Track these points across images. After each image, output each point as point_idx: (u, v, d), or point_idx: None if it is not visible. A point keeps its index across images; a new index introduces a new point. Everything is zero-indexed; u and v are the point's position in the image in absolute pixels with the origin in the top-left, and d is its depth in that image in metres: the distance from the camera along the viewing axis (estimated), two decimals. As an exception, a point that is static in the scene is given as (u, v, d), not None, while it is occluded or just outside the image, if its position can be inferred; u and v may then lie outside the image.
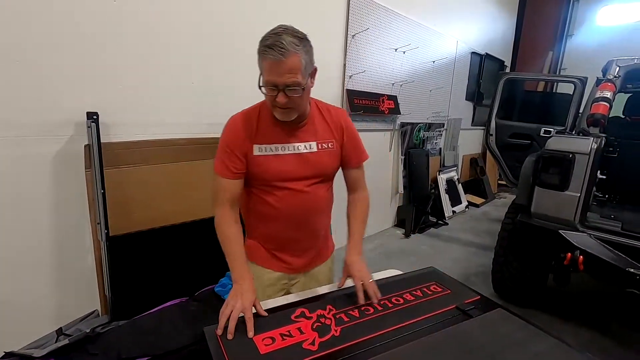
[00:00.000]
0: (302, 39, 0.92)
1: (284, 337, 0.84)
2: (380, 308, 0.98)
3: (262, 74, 0.94)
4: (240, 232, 1.07)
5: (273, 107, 0.98)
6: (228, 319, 0.87)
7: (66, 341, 1.45)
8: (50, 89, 1.58)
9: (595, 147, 1.82)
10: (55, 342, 1.56)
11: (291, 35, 0.90)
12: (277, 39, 0.88)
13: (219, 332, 0.85)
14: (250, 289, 0.96)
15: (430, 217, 4.23)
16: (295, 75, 0.91)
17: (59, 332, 1.64)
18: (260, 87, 0.95)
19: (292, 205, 1.09)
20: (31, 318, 1.65)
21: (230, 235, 1.04)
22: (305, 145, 1.08)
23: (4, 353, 1.43)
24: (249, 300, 0.92)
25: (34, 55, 1.51)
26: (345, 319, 0.92)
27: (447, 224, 4.28)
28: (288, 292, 1.21)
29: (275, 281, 1.17)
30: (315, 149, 1.09)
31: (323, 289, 1.14)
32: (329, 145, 1.12)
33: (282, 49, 0.88)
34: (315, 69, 1.00)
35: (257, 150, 1.04)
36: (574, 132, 2.31)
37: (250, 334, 0.84)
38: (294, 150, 1.07)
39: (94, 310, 1.82)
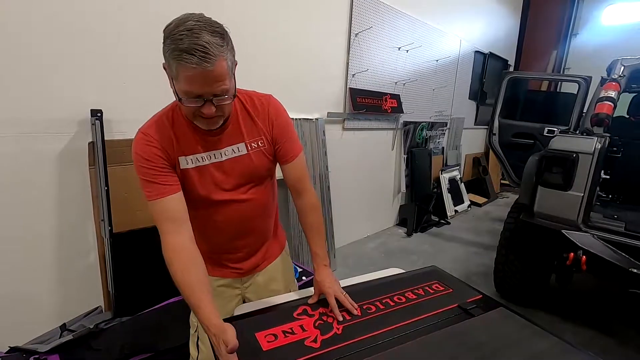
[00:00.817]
0: (224, 35, 0.76)
1: (286, 334, 0.84)
2: (382, 307, 0.98)
3: (178, 82, 0.76)
4: (198, 262, 0.86)
5: (194, 117, 0.83)
6: None
7: (70, 337, 1.47)
8: (54, 86, 1.58)
9: (599, 146, 1.81)
10: (59, 337, 1.58)
11: (210, 32, 0.72)
12: (196, 41, 0.70)
13: None
14: (222, 331, 0.77)
15: (432, 216, 4.23)
16: (224, 82, 0.77)
17: (63, 327, 1.66)
18: (179, 100, 0.78)
19: (231, 216, 0.98)
20: (35, 313, 1.67)
21: (179, 277, 0.82)
22: (233, 149, 0.94)
23: (9, 348, 1.45)
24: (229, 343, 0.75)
25: (38, 53, 1.52)
26: (348, 317, 0.92)
27: (449, 223, 4.28)
28: (244, 299, 1.14)
29: (226, 288, 1.10)
30: (245, 151, 0.95)
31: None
32: (259, 144, 0.97)
33: (207, 56, 0.71)
34: (236, 63, 0.84)
35: (183, 162, 0.90)
36: (577, 132, 2.30)
37: None
38: (222, 157, 0.93)
39: (98, 307, 1.84)
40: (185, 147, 0.90)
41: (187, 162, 0.91)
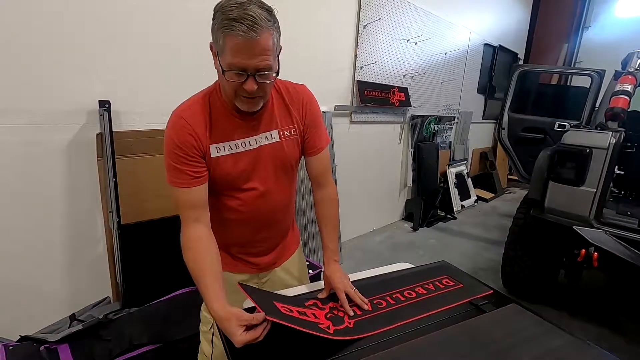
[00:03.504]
0: (271, 12, 0.78)
1: (301, 314, 0.84)
2: (392, 302, 0.97)
3: (224, 54, 0.77)
4: (212, 252, 0.88)
5: (236, 96, 0.83)
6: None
7: (79, 327, 1.48)
8: (62, 77, 1.58)
9: (614, 141, 1.77)
10: (69, 327, 1.59)
11: (259, 6, 0.75)
12: (245, 12, 0.72)
13: None
14: (236, 332, 0.74)
15: (438, 211, 4.21)
16: (268, 58, 0.78)
17: (72, 317, 1.68)
18: (223, 72, 0.78)
19: (257, 206, 0.97)
20: (45, 303, 1.69)
21: (199, 264, 0.84)
22: (266, 136, 0.94)
23: (19, 337, 1.46)
24: (237, 328, 0.74)
25: (47, 44, 1.51)
26: (359, 312, 0.91)
27: (455, 218, 4.25)
28: None
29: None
30: (277, 139, 0.95)
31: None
32: (292, 132, 0.97)
33: (256, 26, 0.73)
34: (280, 49, 0.85)
35: (214, 150, 0.88)
36: (590, 126, 2.26)
37: None
38: (256, 143, 0.93)
39: (106, 297, 1.85)
40: (219, 134, 0.89)
41: (219, 150, 0.89)
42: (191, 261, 0.86)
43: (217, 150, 0.89)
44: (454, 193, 4.46)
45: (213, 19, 0.77)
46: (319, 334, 0.77)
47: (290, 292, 1.05)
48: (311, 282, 1.19)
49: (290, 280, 1.16)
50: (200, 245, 0.87)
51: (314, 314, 0.87)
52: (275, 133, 0.95)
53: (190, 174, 0.86)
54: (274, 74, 0.82)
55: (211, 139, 0.88)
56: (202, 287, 0.83)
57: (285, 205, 1.05)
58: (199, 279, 0.84)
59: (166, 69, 1.87)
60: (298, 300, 0.95)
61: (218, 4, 0.77)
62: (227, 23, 0.73)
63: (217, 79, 0.90)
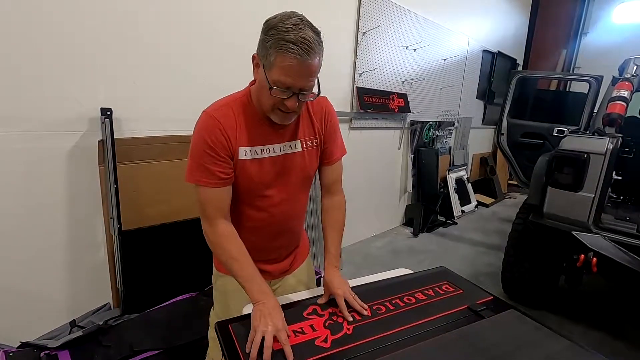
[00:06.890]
0: (320, 35, 0.81)
1: (297, 334, 0.84)
2: (392, 307, 0.97)
3: (272, 70, 0.79)
4: (243, 246, 0.94)
5: (273, 109, 0.86)
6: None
7: (80, 333, 1.48)
8: (65, 84, 1.59)
9: (611, 147, 1.78)
10: (69, 333, 1.59)
11: (311, 29, 0.78)
12: (301, 34, 0.75)
13: None
14: (278, 307, 0.86)
15: (439, 217, 4.21)
16: (314, 79, 0.82)
17: (73, 323, 1.68)
18: (270, 88, 0.80)
19: (275, 213, 0.99)
20: (45, 309, 1.68)
21: (235, 254, 0.91)
22: (290, 145, 0.96)
23: (20, 343, 1.47)
24: (281, 319, 0.82)
25: (49, 52, 1.53)
26: (358, 317, 0.92)
27: (456, 223, 4.25)
28: None
29: None
30: (300, 148, 0.98)
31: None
32: (313, 143, 1.00)
33: (310, 49, 0.76)
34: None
35: (242, 153, 0.90)
36: (588, 132, 2.27)
37: (290, 358, 0.75)
38: (280, 151, 0.95)
39: (106, 303, 1.85)
40: (246, 138, 0.90)
41: (246, 154, 0.91)
42: (235, 249, 0.91)
43: (245, 154, 0.90)
44: (454, 198, 4.47)
45: (265, 34, 0.79)
46: (316, 357, 0.77)
47: (291, 297, 1.05)
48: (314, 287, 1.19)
49: (300, 288, 1.17)
50: (238, 239, 0.93)
51: (311, 326, 0.87)
52: (298, 143, 0.98)
53: (219, 174, 0.88)
54: (317, 94, 0.87)
55: (240, 141, 0.90)
56: (250, 275, 0.90)
57: (300, 214, 1.08)
58: (245, 266, 0.90)
59: (168, 76, 1.89)
60: (296, 309, 0.95)
61: (270, 21, 0.79)
62: (283, 44, 0.75)
63: (232, 88, 0.93)
